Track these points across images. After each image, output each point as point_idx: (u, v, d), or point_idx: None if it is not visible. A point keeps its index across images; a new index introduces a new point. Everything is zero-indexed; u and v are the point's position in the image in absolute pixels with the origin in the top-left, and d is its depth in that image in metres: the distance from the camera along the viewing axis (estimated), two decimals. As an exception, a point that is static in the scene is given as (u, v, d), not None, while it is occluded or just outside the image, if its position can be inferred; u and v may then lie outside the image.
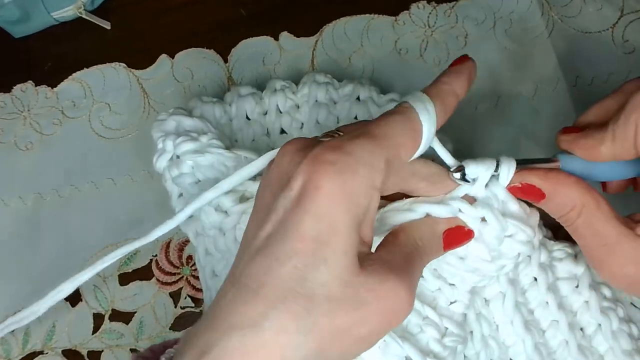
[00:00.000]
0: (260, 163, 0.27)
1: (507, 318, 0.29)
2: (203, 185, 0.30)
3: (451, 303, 0.28)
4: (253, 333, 0.19)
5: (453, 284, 0.28)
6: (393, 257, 0.22)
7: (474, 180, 0.25)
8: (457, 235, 0.25)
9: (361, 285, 0.20)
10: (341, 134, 0.23)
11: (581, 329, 0.30)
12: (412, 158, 0.23)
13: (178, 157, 0.31)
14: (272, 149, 0.33)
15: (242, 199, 0.29)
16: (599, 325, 0.29)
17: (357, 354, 0.21)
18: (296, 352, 0.19)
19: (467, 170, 0.24)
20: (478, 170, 0.25)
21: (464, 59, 0.26)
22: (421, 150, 0.23)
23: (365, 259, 0.21)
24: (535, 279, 0.29)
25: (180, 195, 0.32)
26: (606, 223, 0.25)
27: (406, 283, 0.21)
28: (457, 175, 0.24)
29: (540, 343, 0.29)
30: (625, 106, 0.25)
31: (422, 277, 0.28)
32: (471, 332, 0.29)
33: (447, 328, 0.27)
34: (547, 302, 0.29)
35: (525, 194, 0.25)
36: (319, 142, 0.21)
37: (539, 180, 0.25)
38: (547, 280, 0.29)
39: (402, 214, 0.24)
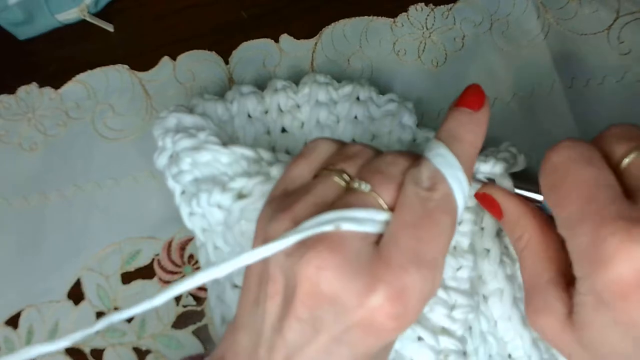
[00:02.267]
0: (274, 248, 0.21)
1: (505, 314, 0.29)
2: (201, 183, 0.30)
3: (457, 270, 0.29)
4: None
5: (455, 248, 0.29)
6: None
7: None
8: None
9: None
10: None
11: None
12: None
13: (178, 154, 0.31)
14: (273, 147, 0.34)
15: (240, 196, 0.30)
16: None
17: None
18: None
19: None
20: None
21: (479, 99, 0.24)
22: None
23: None
24: None
25: (183, 192, 0.32)
26: (541, 265, 0.24)
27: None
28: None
29: (538, 338, 0.29)
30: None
31: None
32: (470, 327, 0.30)
33: (455, 300, 0.28)
34: None
35: (485, 204, 0.26)
36: (373, 277, 0.20)
37: (500, 197, 0.25)
38: None
39: None
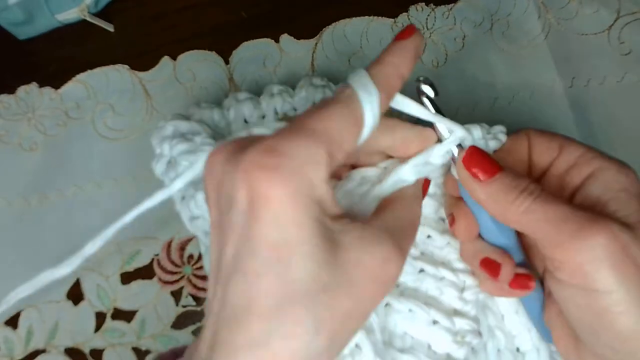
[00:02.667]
0: (200, 167, 0.25)
1: (512, 308, 0.29)
2: (198, 183, 0.31)
3: None
4: (262, 349, 0.19)
5: None
6: (379, 224, 0.22)
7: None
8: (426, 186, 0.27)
9: (349, 264, 0.20)
10: (264, 127, 0.23)
11: None
12: (359, 144, 0.22)
13: (175, 159, 0.31)
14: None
15: None
16: None
17: (364, 323, 0.21)
18: (309, 351, 0.19)
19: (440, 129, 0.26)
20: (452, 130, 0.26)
21: (410, 31, 0.25)
22: (364, 138, 0.22)
23: (337, 234, 0.20)
24: None
25: (183, 198, 0.32)
26: (558, 204, 0.24)
27: (392, 246, 0.21)
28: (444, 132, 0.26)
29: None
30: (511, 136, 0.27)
31: (430, 237, 0.30)
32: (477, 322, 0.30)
33: (464, 281, 0.29)
34: None
35: (485, 156, 0.25)
36: (249, 145, 0.20)
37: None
38: None
39: (380, 187, 0.25)
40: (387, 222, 0.22)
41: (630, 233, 0.22)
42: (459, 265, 0.29)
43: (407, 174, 0.25)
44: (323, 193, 0.20)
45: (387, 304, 0.28)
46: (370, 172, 0.26)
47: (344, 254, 0.20)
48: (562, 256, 0.23)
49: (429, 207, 0.30)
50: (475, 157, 0.25)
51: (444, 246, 0.29)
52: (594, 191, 0.24)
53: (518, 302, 0.29)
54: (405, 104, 0.25)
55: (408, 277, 0.29)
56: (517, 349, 0.30)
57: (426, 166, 0.26)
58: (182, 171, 0.31)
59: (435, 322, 0.28)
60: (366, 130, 0.22)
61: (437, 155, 0.26)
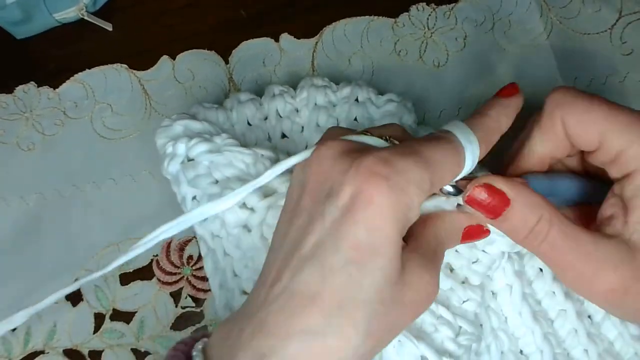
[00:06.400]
0: (293, 161, 0.25)
1: (515, 309, 0.29)
2: (223, 184, 0.30)
3: (464, 302, 0.29)
4: (315, 340, 0.20)
5: (464, 282, 0.29)
6: (424, 251, 0.23)
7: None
8: (476, 231, 0.26)
9: (405, 285, 0.21)
10: (378, 139, 0.23)
11: (589, 317, 0.30)
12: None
13: (190, 159, 0.31)
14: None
15: (266, 194, 0.30)
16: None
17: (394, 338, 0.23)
18: (355, 352, 0.20)
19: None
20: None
21: (512, 90, 0.26)
22: (457, 179, 0.24)
23: (403, 257, 0.22)
24: (541, 270, 0.30)
25: (194, 198, 0.31)
26: (578, 230, 0.23)
27: (435, 275, 0.23)
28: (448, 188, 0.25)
29: (549, 333, 0.29)
30: (545, 106, 0.26)
31: None
32: (481, 325, 0.30)
33: (460, 327, 0.28)
34: (553, 292, 0.30)
35: (490, 193, 0.24)
36: (367, 151, 0.21)
37: (503, 183, 0.24)
38: None
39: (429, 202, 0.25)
40: (426, 252, 0.23)
41: None
42: (458, 310, 0.28)
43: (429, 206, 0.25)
44: (413, 217, 0.22)
45: None
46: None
47: (405, 277, 0.21)
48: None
49: None
50: (476, 204, 0.24)
51: (447, 289, 0.28)
52: (627, 193, 0.24)
53: (521, 304, 0.29)
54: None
55: None
56: (521, 351, 0.30)
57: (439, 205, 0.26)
58: (203, 172, 0.30)
59: (423, 358, 0.27)
60: (463, 174, 0.24)
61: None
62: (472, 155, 0.23)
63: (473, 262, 0.28)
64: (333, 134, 0.26)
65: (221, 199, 0.28)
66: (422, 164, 0.21)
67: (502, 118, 0.25)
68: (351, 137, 0.24)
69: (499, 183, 0.24)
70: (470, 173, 0.25)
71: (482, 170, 0.26)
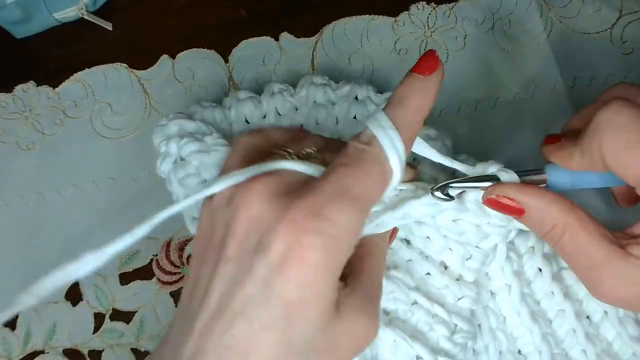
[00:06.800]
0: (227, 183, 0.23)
1: (513, 309, 0.29)
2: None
3: (459, 299, 0.28)
4: None
5: (458, 279, 0.28)
6: (365, 287, 0.23)
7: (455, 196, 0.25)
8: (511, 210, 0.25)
9: (340, 332, 0.21)
10: (299, 163, 0.22)
11: (588, 317, 0.30)
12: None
13: (182, 159, 0.31)
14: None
15: None
16: (605, 312, 0.30)
17: None
18: None
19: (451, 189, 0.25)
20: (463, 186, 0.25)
21: (432, 64, 0.23)
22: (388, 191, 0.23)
23: (341, 302, 0.21)
24: (540, 270, 0.30)
25: (187, 197, 0.31)
26: (591, 243, 0.23)
27: (374, 315, 0.22)
28: (439, 194, 0.25)
29: (547, 333, 0.29)
30: (590, 124, 0.24)
31: (429, 274, 0.29)
32: (479, 325, 0.30)
33: (456, 325, 0.28)
34: (552, 292, 0.30)
35: (502, 208, 0.25)
36: (297, 196, 0.20)
37: (517, 193, 0.24)
38: (551, 270, 0.30)
39: (392, 214, 0.25)
40: (367, 289, 0.23)
41: None
42: (453, 308, 0.28)
43: (416, 210, 0.25)
44: (348, 256, 0.21)
45: None
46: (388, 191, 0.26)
47: (339, 323, 0.21)
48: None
49: (433, 247, 0.29)
50: (496, 205, 0.25)
51: (442, 287, 0.28)
52: None
53: (520, 304, 0.29)
54: (421, 148, 0.25)
55: (400, 306, 0.28)
56: (519, 351, 0.29)
57: (435, 206, 0.25)
58: (192, 171, 0.30)
59: (418, 358, 0.27)
60: (392, 186, 0.23)
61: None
62: (399, 165, 0.22)
63: (467, 259, 0.28)
64: (245, 147, 0.25)
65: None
66: (352, 204, 0.21)
67: (423, 104, 0.23)
68: (269, 165, 0.22)
69: (512, 193, 0.24)
70: (483, 172, 0.25)
71: (494, 165, 0.26)
